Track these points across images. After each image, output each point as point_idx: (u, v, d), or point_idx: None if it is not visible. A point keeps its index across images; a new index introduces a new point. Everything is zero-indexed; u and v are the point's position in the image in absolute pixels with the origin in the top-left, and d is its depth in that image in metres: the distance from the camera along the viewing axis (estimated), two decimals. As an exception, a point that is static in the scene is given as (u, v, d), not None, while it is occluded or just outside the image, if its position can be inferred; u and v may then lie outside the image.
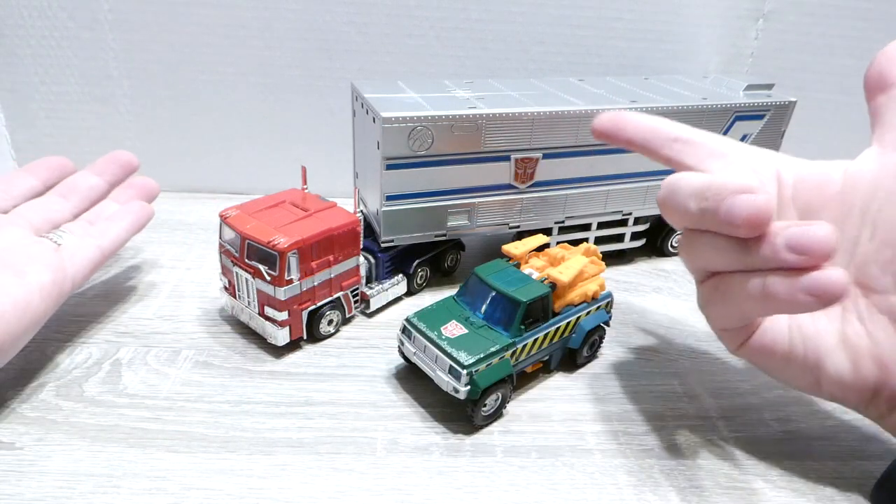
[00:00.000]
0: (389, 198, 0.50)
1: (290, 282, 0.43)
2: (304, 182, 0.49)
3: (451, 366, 0.38)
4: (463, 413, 0.39)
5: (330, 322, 0.47)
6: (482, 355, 0.38)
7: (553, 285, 0.42)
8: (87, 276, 0.44)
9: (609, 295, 0.47)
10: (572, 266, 0.43)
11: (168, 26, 0.64)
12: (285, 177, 0.72)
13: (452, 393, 0.38)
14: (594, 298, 0.46)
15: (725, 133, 0.59)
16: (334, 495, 0.34)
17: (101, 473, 0.34)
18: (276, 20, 0.64)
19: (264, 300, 0.44)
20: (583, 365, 0.47)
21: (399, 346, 0.43)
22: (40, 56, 0.65)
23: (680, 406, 0.43)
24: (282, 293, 0.43)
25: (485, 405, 0.39)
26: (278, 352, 0.45)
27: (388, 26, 0.65)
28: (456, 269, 0.59)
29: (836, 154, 0.43)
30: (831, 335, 0.34)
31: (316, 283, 0.45)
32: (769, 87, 0.62)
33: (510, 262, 0.45)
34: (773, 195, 0.33)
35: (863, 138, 0.46)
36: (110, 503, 0.33)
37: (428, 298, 0.54)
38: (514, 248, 0.46)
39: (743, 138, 0.60)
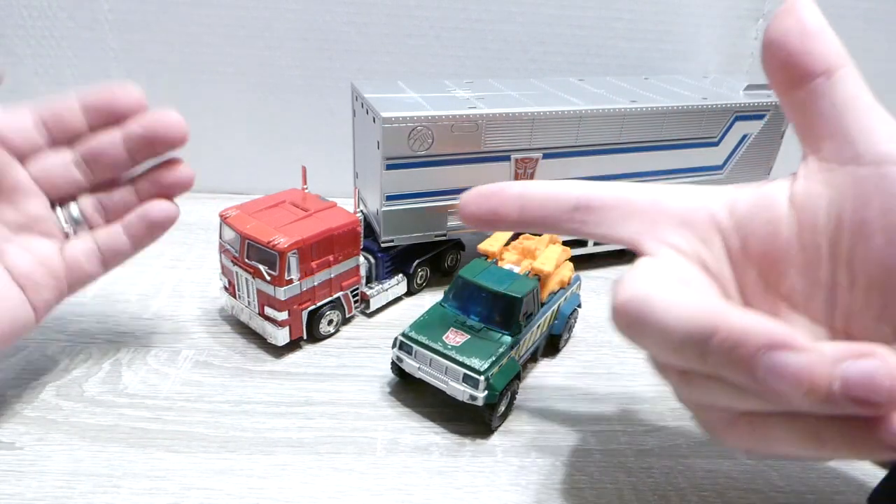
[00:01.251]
0: (389, 198, 0.50)
1: (290, 282, 0.43)
2: (304, 182, 0.49)
3: (465, 374, 0.38)
4: (463, 413, 0.39)
5: (330, 322, 0.47)
6: (494, 358, 0.38)
7: (538, 277, 0.43)
8: (83, 286, 0.39)
9: (578, 278, 0.49)
10: (550, 255, 0.45)
11: (168, 26, 0.64)
12: (285, 177, 0.72)
13: (469, 401, 0.38)
14: (568, 283, 0.47)
15: (725, 133, 0.59)
16: (334, 495, 0.34)
17: (101, 473, 0.34)
18: (276, 20, 0.64)
19: (264, 300, 0.44)
20: (562, 348, 0.48)
21: (395, 364, 0.41)
22: (40, 56, 0.65)
23: (680, 406, 0.43)
24: (282, 293, 0.43)
25: (500, 407, 0.39)
26: (278, 352, 0.45)
27: (388, 26, 0.65)
28: (456, 269, 0.59)
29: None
30: None
31: (316, 283, 0.45)
32: (769, 87, 0.62)
33: (488, 259, 0.45)
34: (813, 347, 0.20)
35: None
36: (110, 503, 0.33)
37: (428, 298, 0.54)
38: (491, 246, 0.46)
39: (743, 138, 0.60)
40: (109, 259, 0.39)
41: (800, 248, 0.26)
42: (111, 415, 0.39)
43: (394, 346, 0.41)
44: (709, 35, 0.69)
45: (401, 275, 0.53)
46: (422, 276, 0.55)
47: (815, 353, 0.19)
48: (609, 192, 0.30)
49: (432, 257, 0.56)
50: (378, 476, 0.35)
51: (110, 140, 0.38)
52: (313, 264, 0.44)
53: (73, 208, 0.39)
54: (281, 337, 0.44)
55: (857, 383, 0.19)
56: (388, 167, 0.48)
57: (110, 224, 0.40)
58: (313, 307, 0.45)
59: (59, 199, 0.38)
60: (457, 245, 0.58)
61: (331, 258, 0.45)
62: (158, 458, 0.36)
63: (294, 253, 0.42)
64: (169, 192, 0.41)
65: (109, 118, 0.38)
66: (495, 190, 0.31)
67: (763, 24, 0.68)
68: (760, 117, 0.59)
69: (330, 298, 0.47)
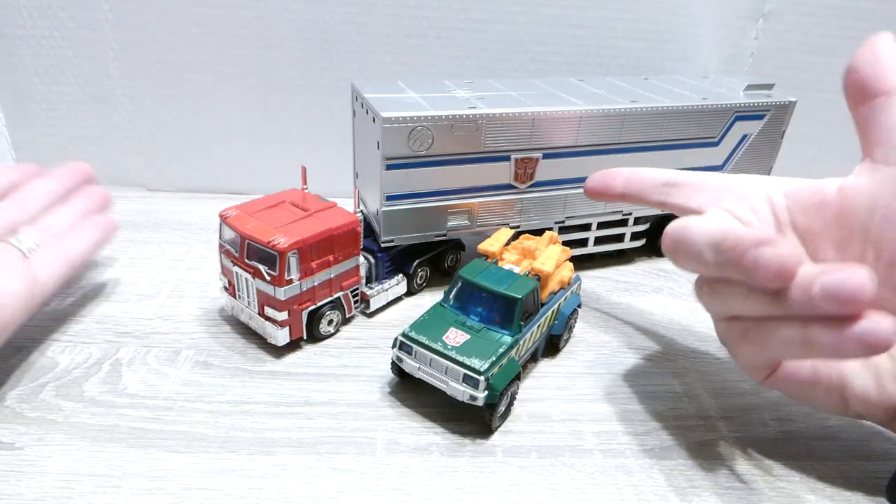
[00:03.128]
0: (389, 198, 0.49)
1: (289, 282, 0.43)
2: (304, 182, 0.49)
3: (465, 374, 0.37)
4: (463, 413, 0.39)
5: (330, 322, 0.47)
6: (494, 358, 0.38)
7: (538, 277, 0.43)
8: (57, 289, 0.43)
9: (578, 278, 0.49)
10: (551, 255, 0.45)
11: (168, 26, 0.64)
12: (285, 177, 0.72)
13: (469, 401, 0.38)
14: (568, 284, 0.48)
15: (725, 133, 0.59)
16: (334, 495, 0.34)
17: (101, 473, 0.34)
18: (276, 20, 0.64)
19: (264, 300, 0.44)
20: (562, 348, 0.48)
21: (395, 364, 0.41)
22: (40, 56, 0.65)
23: (680, 406, 0.43)
24: (282, 293, 0.42)
25: (500, 407, 0.39)
26: (278, 352, 0.45)
27: (388, 26, 0.65)
28: (456, 269, 0.59)
29: (836, 154, 0.43)
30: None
31: (316, 283, 0.45)
32: (769, 87, 0.62)
33: (488, 259, 0.45)
34: (795, 243, 0.33)
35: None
36: (110, 503, 0.33)
37: (428, 298, 0.54)
38: (491, 246, 0.46)
39: (743, 138, 0.60)
40: (73, 255, 0.45)
41: (837, 227, 0.33)
42: (111, 415, 0.39)
43: (394, 346, 0.41)
44: (709, 35, 0.69)
45: (401, 275, 0.53)
46: (422, 276, 0.55)
47: (787, 246, 0.28)
48: (686, 175, 0.39)
49: (432, 257, 0.55)
50: (378, 476, 0.35)
51: (43, 184, 0.48)
52: (313, 264, 0.44)
53: (23, 237, 0.43)
54: (281, 337, 0.44)
55: (836, 288, 0.27)
56: (388, 167, 0.48)
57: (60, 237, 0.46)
58: (313, 307, 0.45)
59: (4, 236, 0.43)
60: (457, 245, 0.58)
61: (331, 258, 0.45)
62: (158, 458, 0.36)
63: (294, 253, 0.42)
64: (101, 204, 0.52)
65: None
66: (608, 172, 0.43)
67: (763, 24, 0.68)
68: (760, 117, 0.59)
69: (330, 298, 0.47)
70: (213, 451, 0.36)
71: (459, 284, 0.43)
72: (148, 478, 0.34)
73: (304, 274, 0.43)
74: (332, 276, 0.46)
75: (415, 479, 0.35)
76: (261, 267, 0.43)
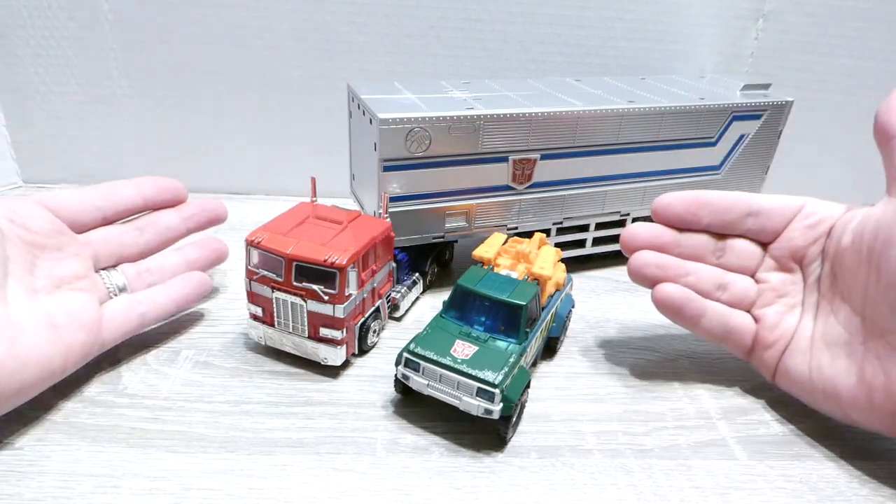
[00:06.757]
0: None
1: (349, 297, 0.41)
2: (314, 194, 0.48)
3: (478, 388, 0.36)
4: (463, 413, 0.39)
5: (374, 332, 0.46)
6: (507, 369, 0.37)
7: (537, 281, 0.43)
8: (118, 342, 0.42)
9: (570, 279, 0.49)
10: (547, 259, 0.45)
11: (168, 26, 0.64)
12: (285, 177, 0.72)
13: (484, 415, 0.36)
14: (563, 285, 0.47)
15: (723, 133, 0.59)
16: (334, 495, 0.34)
17: (101, 473, 0.34)
18: (276, 20, 0.64)
19: (319, 321, 0.42)
20: (558, 350, 0.48)
21: (400, 381, 0.40)
22: (40, 56, 0.65)
23: (680, 406, 0.43)
24: (341, 310, 0.41)
25: (513, 418, 0.38)
26: (278, 352, 0.45)
27: (388, 26, 0.65)
28: (451, 261, 0.60)
29: (836, 154, 0.43)
30: (850, 375, 0.37)
31: (365, 295, 0.44)
32: (766, 86, 0.62)
33: (484, 266, 0.44)
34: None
35: (862, 138, 0.45)
36: (110, 503, 0.33)
37: (433, 296, 0.54)
38: (486, 252, 0.45)
39: (741, 138, 0.60)
40: (149, 314, 0.44)
41: (853, 251, 0.37)
42: (111, 415, 0.39)
43: (398, 363, 0.39)
44: (709, 35, 0.69)
45: (417, 274, 0.53)
46: (432, 273, 0.55)
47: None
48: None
49: (437, 252, 0.56)
50: (378, 476, 0.35)
51: (169, 217, 0.47)
52: (362, 276, 0.43)
53: (115, 275, 0.44)
54: (339, 357, 0.42)
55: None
56: (386, 169, 0.48)
57: (152, 286, 0.45)
58: (363, 320, 0.44)
59: (106, 265, 0.44)
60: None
61: (374, 267, 0.44)
62: (158, 458, 0.36)
63: (353, 267, 0.40)
64: (211, 260, 0.49)
65: (164, 204, 0.48)
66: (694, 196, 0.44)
67: (763, 24, 0.68)
68: (757, 117, 0.59)
69: (373, 308, 0.45)
70: (213, 451, 0.36)
71: (459, 294, 0.41)
72: (148, 478, 0.34)
73: (359, 287, 0.42)
74: (375, 284, 0.45)
75: (415, 479, 0.35)
76: (316, 287, 0.40)
